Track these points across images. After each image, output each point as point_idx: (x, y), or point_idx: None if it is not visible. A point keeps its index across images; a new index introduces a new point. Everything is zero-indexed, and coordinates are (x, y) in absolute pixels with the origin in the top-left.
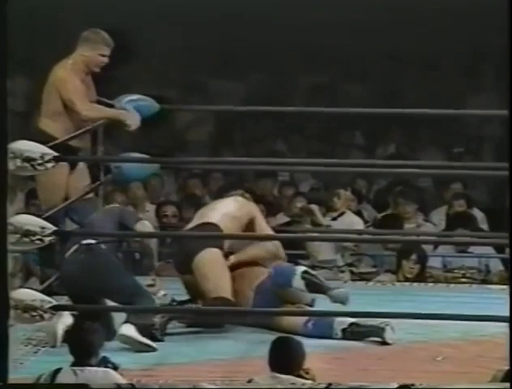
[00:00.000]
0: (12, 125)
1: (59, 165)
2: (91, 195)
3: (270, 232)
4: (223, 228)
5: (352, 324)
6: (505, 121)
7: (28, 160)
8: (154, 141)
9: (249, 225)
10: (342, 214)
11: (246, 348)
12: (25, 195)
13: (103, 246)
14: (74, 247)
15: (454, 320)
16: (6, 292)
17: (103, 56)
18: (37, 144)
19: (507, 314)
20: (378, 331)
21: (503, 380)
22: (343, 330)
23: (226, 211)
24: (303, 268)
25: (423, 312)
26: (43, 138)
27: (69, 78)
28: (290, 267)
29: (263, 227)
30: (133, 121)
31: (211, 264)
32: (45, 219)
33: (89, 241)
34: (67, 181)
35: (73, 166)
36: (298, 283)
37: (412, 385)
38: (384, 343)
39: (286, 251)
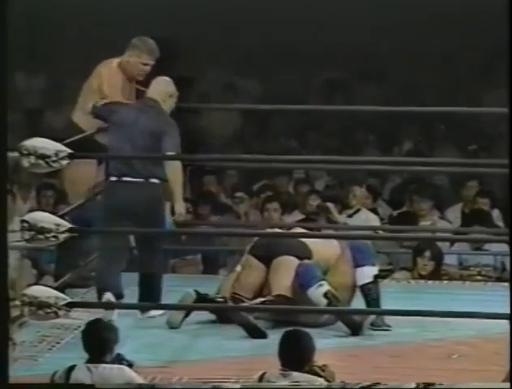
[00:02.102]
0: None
1: (88, 161)
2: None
3: None
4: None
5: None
6: None
7: (43, 157)
8: None
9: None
10: (357, 211)
11: (262, 345)
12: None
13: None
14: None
15: (452, 318)
16: (6, 292)
17: (144, 64)
18: (51, 141)
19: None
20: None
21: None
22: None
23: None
24: (327, 288)
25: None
26: (72, 131)
27: (112, 74)
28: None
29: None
30: None
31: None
32: (68, 214)
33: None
34: (95, 176)
35: (100, 161)
36: (316, 295)
37: (431, 385)
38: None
39: None
